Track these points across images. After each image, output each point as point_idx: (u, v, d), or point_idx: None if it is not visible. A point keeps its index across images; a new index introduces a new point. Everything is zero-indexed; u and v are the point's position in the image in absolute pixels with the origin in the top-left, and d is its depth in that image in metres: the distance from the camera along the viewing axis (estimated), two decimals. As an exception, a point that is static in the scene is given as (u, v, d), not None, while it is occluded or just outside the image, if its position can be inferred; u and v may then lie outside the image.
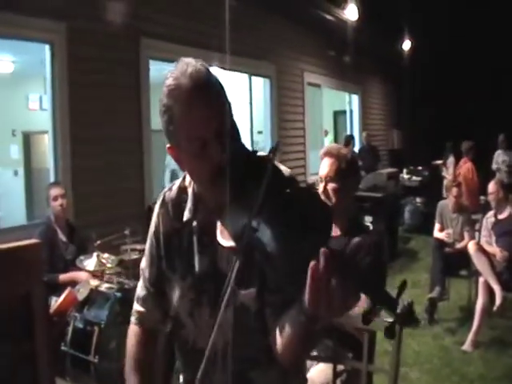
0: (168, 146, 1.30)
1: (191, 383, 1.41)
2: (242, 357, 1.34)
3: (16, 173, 8.76)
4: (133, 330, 1.55)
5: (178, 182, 1.47)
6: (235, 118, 1.28)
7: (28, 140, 9.19)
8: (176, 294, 1.41)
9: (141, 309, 1.53)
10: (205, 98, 1.19)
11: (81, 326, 3.34)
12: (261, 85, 7.96)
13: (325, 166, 2.40)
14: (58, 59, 4.38)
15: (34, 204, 8.82)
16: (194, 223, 1.38)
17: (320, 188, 2.40)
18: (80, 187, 4.52)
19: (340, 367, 2.13)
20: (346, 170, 2.36)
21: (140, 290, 1.54)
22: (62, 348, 3.27)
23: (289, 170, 1.32)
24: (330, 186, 2.36)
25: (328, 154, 2.42)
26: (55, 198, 4.06)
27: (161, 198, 1.47)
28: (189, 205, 1.39)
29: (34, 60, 5.68)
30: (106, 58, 4.79)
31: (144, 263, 1.52)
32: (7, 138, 8.41)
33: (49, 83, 4.43)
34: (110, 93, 4.83)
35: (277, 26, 7.80)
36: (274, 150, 1.12)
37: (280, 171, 1.26)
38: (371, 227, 6.77)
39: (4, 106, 7.69)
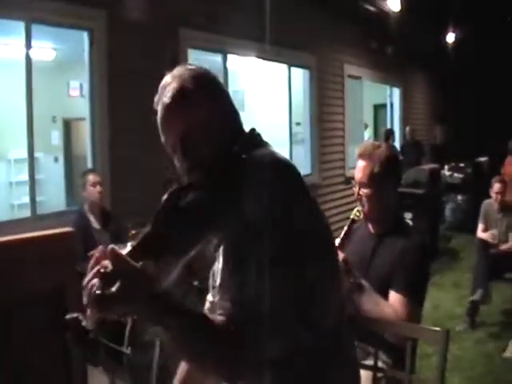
0: None
1: None
2: None
3: (56, 159, 8.88)
4: None
5: None
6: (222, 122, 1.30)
7: (68, 127, 9.32)
8: None
9: None
10: (173, 110, 1.26)
11: (114, 316, 3.31)
12: (300, 76, 7.81)
13: (358, 170, 2.26)
14: (97, 47, 4.36)
15: (74, 190, 8.95)
16: None
17: (355, 192, 2.29)
18: (116, 176, 4.49)
19: (379, 374, 2.02)
20: (380, 173, 2.19)
21: None
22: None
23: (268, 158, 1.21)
24: (363, 191, 2.22)
25: (362, 155, 2.26)
26: (94, 185, 4.07)
27: None
28: None
29: (74, 47, 5.68)
30: (145, 47, 4.73)
31: None
32: (48, 125, 8.51)
33: (87, 70, 4.42)
34: (149, 82, 4.79)
35: (317, 16, 7.61)
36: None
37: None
38: (411, 224, 6.66)
39: (45, 92, 7.79)
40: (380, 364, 2.03)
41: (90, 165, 4.58)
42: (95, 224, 4.10)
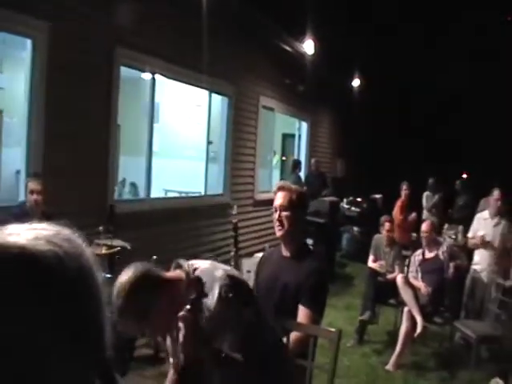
0: None
1: None
2: None
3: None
4: None
5: None
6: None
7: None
8: None
9: None
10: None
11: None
12: (219, 101, 8.25)
13: (279, 198, 2.78)
14: (39, 55, 4.52)
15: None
16: None
17: (275, 217, 2.78)
18: (47, 179, 4.50)
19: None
20: (297, 201, 2.75)
21: None
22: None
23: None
24: (284, 213, 2.74)
25: (281, 188, 2.81)
26: (31, 192, 4.15)
27: None
28: None
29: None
30: (83, 61, 4.95)
31: None
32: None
33: (28, 77, 4.55)
34: (83, 92, 5.00)
35: (240, 50, 8.14)
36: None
37: None
38: (312, 250, 7.21)
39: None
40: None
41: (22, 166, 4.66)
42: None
